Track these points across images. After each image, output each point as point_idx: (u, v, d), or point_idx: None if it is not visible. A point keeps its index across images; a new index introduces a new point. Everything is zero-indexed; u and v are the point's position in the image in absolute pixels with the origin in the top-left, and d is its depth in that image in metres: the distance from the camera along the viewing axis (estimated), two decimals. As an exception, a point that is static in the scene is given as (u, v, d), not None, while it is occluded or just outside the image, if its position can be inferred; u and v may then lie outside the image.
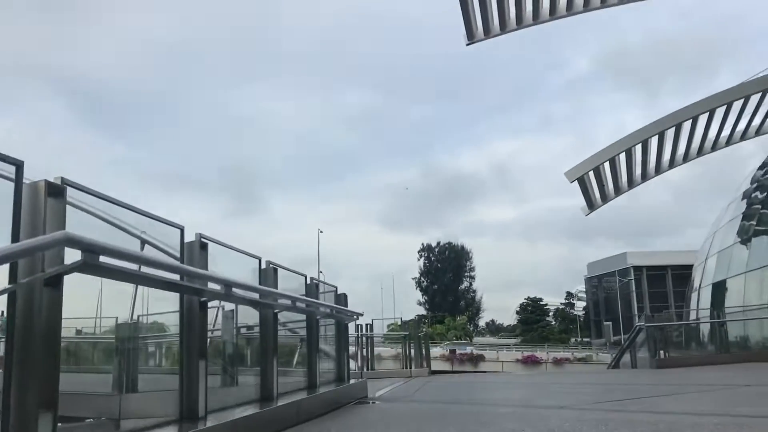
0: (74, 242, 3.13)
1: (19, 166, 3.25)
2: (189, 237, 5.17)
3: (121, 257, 3.59)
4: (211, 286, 5.08)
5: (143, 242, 5.27)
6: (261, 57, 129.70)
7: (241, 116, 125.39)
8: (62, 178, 3.53)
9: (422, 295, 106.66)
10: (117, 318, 13.66)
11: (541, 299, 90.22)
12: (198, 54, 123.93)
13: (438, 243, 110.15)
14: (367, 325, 18.70)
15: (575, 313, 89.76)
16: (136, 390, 10.88)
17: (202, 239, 5.27)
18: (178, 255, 4.98)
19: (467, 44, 23.68)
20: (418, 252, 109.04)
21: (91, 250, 3.25)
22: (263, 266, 6.78)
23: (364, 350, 18.59)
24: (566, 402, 8.23)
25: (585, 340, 75.87)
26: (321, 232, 59.42)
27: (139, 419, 6.48)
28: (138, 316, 12.98)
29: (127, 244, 4.47)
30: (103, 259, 3.38)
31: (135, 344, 12.11)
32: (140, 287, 5.41)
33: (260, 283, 6.57)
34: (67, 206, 3.50)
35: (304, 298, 7.77)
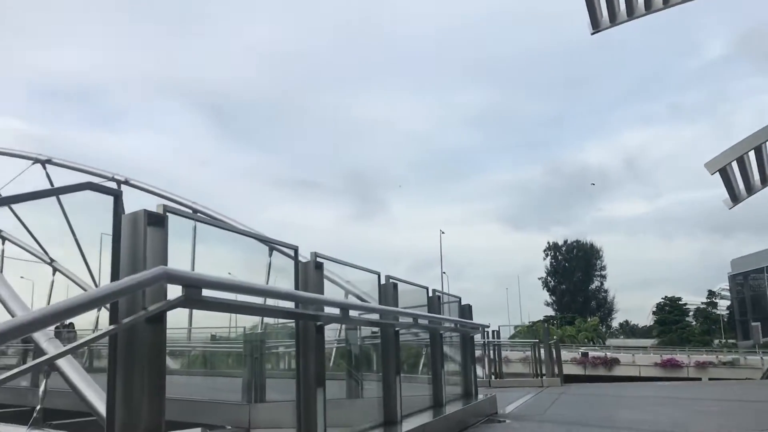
0: (175, 278, 2.89)
1: (117, 196, 3.06)
2: (302, 254, 4.94)
3: (226, 289, 3.33)
4: (329, 309, 4.79)
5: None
6: (379, 61, 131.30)
7: (362, 120, 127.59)
8: (164, 206, 3.32)
9: (549, 295, 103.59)
10: (245, 327, 13.90)
11: (679, 298, 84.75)
12: (317, 61, 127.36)
13: (565, 241, 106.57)
14: (493, 332, 18.07)
15: (718, 312, 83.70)
16: (264, 399, 10.97)
17: (318, 259, 5.00)
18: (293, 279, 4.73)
19: (592, 33, 22.38)
20: (544, 251, 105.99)
21: (193, 285, 3.00)
22: (383, 281, 6.46)
23: (492, 358, 17.97)
24: (727, 424, 7.30)
25: (730, 341, 70.51)
26: (443, 233, 58.97)
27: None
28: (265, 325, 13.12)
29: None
30: (206, 292, 3.13)
31: (261, 351, 12.26)
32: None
33: (380, 301, 6.24)
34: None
35: (427, 314, 7.36)
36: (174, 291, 3.08)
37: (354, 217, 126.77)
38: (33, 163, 24.50)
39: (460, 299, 9.72)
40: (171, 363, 15.96)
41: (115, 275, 2.99)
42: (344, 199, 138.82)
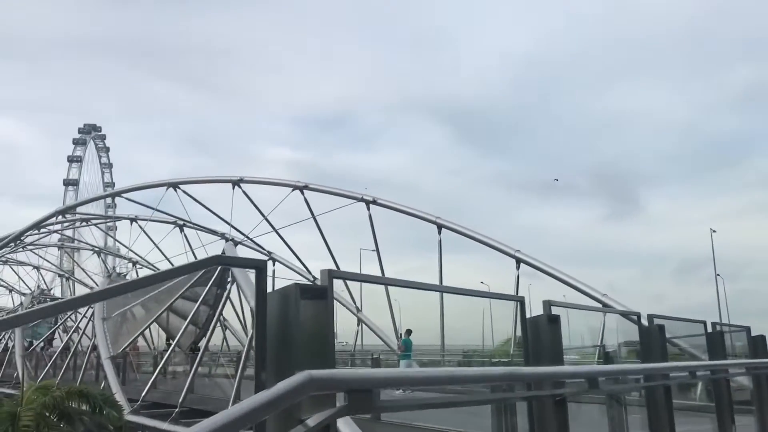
0: (324, 383, 2.06)
1: (260, 269, 2.33)
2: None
3: (406, 383, 2.43)
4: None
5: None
6: (624, 50, 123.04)
7: (609, 115, 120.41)
8: (329, 271, 2.52)
9: None
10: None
11: None
12: (557, 59, 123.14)
13: None
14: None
15: None
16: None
17: (551, 307, 3.88)
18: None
19: None
20: None
21: (356, 388, 2.15)
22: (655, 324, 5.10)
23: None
24: None
25: None
26: (714, 231, 52.42)
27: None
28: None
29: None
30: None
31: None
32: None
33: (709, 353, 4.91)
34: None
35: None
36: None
37: (606, 217, 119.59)
38: (292, 190, 26.30)
39: (749, 329, 7.76)
40: None
41: (259, 368, 2.26)
42: (594, 199, 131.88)
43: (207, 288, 21.99)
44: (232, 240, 29.07)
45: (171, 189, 29.78)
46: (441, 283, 23.08)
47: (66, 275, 49.84)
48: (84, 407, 15.43)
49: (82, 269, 44.25)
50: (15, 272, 48.48)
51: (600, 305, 17.17)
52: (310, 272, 29.95)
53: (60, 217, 32.81)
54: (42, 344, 35.83)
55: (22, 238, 35.13)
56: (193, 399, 17.99)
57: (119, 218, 41.87)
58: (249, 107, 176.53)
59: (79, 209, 46.20)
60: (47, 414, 14.49)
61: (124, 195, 31.88)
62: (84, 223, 39.30)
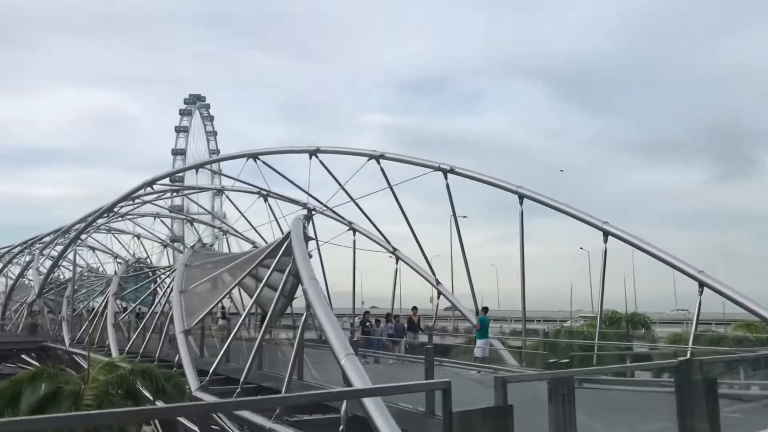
0: None
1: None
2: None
3: None
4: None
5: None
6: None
7: (717, 70, 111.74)
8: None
9: None
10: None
11: None
12: (661, 11, 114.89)
13: None
14: None
15: None
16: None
17: None
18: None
19: None
20: None
21: None
22: None
23: None
24: None
25: None
26: None
27: None
28: None
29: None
30: None
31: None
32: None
33: None
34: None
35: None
36: None
37: (716, 178, 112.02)
38: (368, 159, 25.51)
39: None
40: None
41: None
42: (703, 159, 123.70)
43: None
44: (313, 210, 28.72)
45: (251, 160, 29.80)
46: (522, 255, 21.83)
47: (164, 243, 51.65)
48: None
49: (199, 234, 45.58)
50: (118, 240, 50.95)
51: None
52: (389, 242, 29.30)
53: (149, 189, 33.47)
54: (138, 310, 36.93)
55: (115, 210, 36.40)
56: (260, 375, 17.74)
57: (206, 189, 42.96)
58: (347, 74, 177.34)
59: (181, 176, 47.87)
60: (112, 392, 14.56)
61: (207, 167, 32.23)
62: (175, 194, 40.40)
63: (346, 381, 9.77)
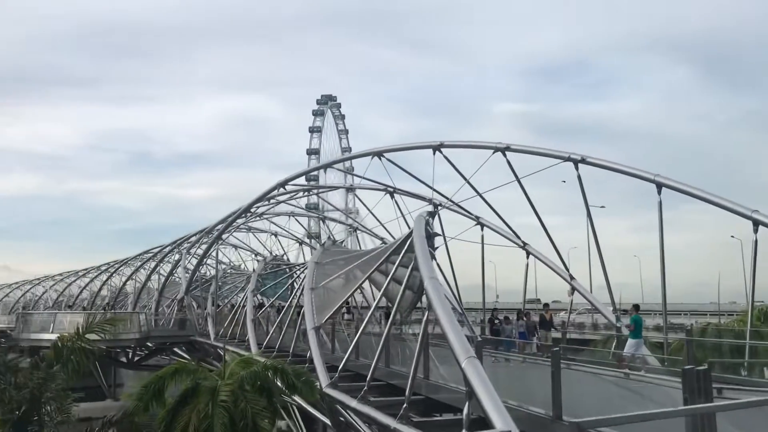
0: None
1: None
2: None
3: None
4: None
5: None
6: None
7: None
8: None
9: None
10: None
11: None
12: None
13: None
14: None
15: None
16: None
17: None
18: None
19: None
20: None
21: None
22: None
23: None
24: None
25: None
26: None
27: None
28: None
29: None
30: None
31: None
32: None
33: None
34: None
35: None
36: None
37: None
38: (494, 152, 24.91)
39: None
40: None
41: None
42: None
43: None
44: (438, 205, 28.54)
45: (376, 157, 30.07)
46: (662, 247, 20.43)
47: (300, 240, 53.52)
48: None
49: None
50: (257, 238, 53.46)
51: None
52: (518, 236, 28.47)
53: (281, 189, 34.72)
54: (278, 306, 38.38)
55: (252, 210, 38.13)
56: (387, 373, 17.78)
57: (334, 187, 43.94)
58: (473, 64, 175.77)
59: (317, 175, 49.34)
60: (247, 388, 15.11)
61: (335, 165, 32.93)
62: (306, 193, 41.75)
63: (467, 385, 9.46)
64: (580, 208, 23.68)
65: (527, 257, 28.31)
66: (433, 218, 25.20)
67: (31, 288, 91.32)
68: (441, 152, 27.10)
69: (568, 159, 22.50)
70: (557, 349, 11.20)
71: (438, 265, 26.40)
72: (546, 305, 26.01)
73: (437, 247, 25.31)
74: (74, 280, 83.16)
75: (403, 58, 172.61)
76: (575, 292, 26.25)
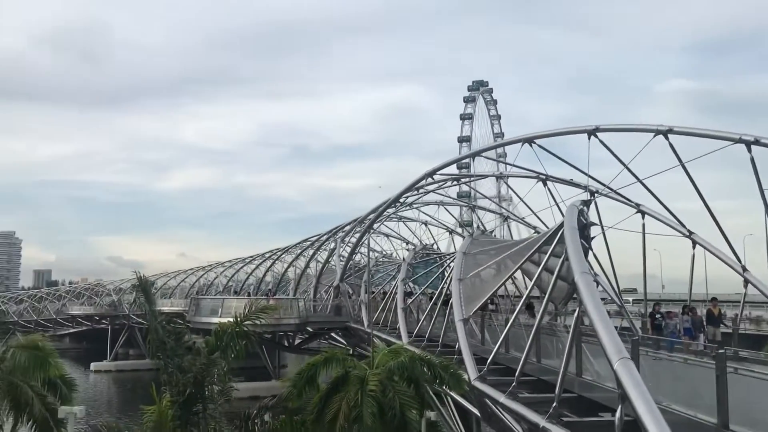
0: None
1: None
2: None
3: None
4: None
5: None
6: None
7: None
8: None
9: None
10: None
11: None
12: None
13: None
14: None
15: None
16: None
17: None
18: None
19: None
20: None
21: None
22: None
23: None
24: None
25: None
26: None
27: None
28: None
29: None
30: None
31: None
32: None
33: None
34: None
35: None
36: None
37: None
38: (654, 135, 23.33)
39: None
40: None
41: None
42: None
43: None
44: (595, 192, 27.22)
45: (527, 144, 29.18)
46: None
47: (450, 229, 53.47)
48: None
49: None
50: (408, 227, 54.14)
51: None
52: (683, 225, 26.46)
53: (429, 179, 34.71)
54: (430, 294, 38.57)
55: (401, 201, 38.57)
56: (539, 368, 17.27)
57: (483, 176, 43.32)
58: (632, 40, 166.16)
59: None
60: (395, 378, 15.29)
61: (483, 154, 32.41)
62: (456, 182, 41.53)
63: (620, 387, 8.90)
64: (754, 193, 21.56)
65: (693, 247, 26.28)
66: (589, 206, 24.14)
67: (203, 274, 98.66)
68: (596, 137, 25.76)
69: (739, 140, 20.57)
70: (722, 351, 10.21)
71: (594, 255, 25.35)
72: (714, 299, 23.97)
73: (593, 237, 24.22)
74: (241, 267, 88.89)
75: (557, 38, 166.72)
76: (748, 284, 24.04)
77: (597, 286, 17.69)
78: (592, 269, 23.53)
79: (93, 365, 77.99)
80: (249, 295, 66.76)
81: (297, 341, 55.02)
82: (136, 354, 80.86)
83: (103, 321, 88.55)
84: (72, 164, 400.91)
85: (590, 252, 23.53)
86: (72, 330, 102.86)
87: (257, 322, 14.73)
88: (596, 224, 24.68)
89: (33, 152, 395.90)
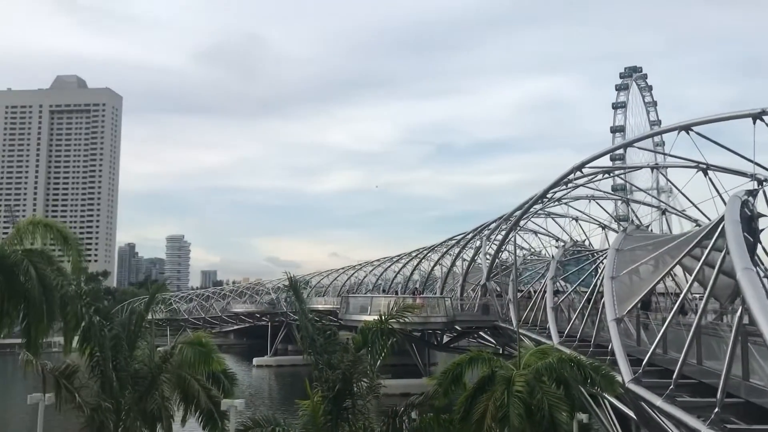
0: None
1: None
2: None
3: None
4: None
5: None
6: None
7: None
8: None
9: None
10: None
11: None
12: None
13: None
14: None
15: None
16: None
17: None
18: None
19: None
20: None
21: None
22: None
23: None
24: None
25: None
26: None
27: None
28: None
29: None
30: None
31: None
32: None
33: None
34: None
35: None
36: None
37: None
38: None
39: None
40: None
41: None
42: None
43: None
44: (763, 181, 24.97)
45: (684, 132, 27.33)
46: None
47: (602, 224, 51.17)
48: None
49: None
50: (557, 223, 52.39)
51: None
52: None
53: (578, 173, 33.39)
54: (580, 291, 37.19)
55: (548, 196, 37.50)
56: (699, 370, 16.13)
57: (636, 167, 40.90)
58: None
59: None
60: (544, 379, 14.93)
61: (636, 144, 30.71)
62: (605, 175, 39.55)
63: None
64: None
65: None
66: (755, 197, 22.28)
67: (354, 273, 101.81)
68: (763, 120, 23.65)
69: None
70: None
71: (764, 248, 23.28)
72: None
73: (762, 230, 22.32)
74: (389, 266, 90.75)
75: (718, 15, 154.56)
76: None
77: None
78: (762, 265, 21.67)
79: (255, 360, 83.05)
80: (396, 293, 67.96)
81: (445, 340, 55.22)
82: (294, 350, 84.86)
83: (263, 318, 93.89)
84: (234, 171, 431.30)
85: (759, 246, 21.68)
86: (235, 327, 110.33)
87: (401, 320, 15.01)
88: (766, 216, 22.72)
89: (198, 161, 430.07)
